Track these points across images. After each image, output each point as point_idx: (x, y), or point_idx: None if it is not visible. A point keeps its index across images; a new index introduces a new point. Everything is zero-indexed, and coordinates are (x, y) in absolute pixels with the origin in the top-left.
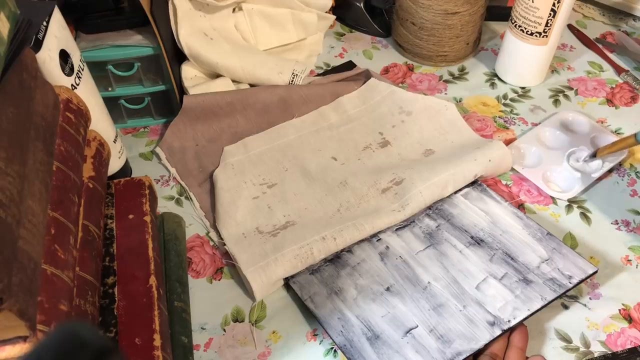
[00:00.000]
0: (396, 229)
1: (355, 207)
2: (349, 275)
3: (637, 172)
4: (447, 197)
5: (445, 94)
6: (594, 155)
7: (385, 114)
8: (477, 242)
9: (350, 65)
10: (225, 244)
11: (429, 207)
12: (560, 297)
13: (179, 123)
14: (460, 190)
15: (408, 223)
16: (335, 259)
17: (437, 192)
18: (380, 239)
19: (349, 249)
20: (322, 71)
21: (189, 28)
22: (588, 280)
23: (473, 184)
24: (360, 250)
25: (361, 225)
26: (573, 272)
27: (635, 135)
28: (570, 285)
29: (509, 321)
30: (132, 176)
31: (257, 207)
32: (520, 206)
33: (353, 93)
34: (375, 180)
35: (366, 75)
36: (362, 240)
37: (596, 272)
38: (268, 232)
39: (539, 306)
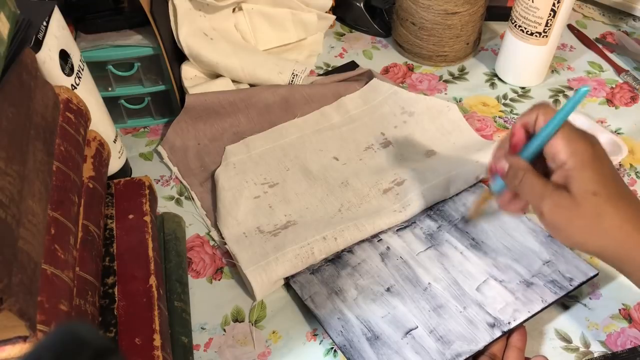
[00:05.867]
0: (397, 230)
1: (356, 207)
2: (350, 275)
3: (637, 172)
4: (448, 198)
5: (445, 94)
6: (467, 221)
7: (388, 114)
8: (478, 243)
9: (353, 66)
10: (226, 243)
11: (430, 208)
12: (560, 299)
13: (181, 122)
14: (461, 191)
15: (409, 224)
16: (336, 259)
17: (439, 193)
18: (381, 240)
19: (349, 249)
20: (322, 71)
21: (189, 28)
22: None
23: (474, 185)
24: (361, 251)
25: (362, 225)
26: (574, 275)
27: (488, 186)
28: (571, 288)
29: (509, 323)
30: (132, 176)
31: (258, 207)
32: None
33: (355, 93)
34: (376, 181)
35: (368, 76)
36: (363, 241)
37: (597, 275)
38: (269, 232)
39: (539, 308)
